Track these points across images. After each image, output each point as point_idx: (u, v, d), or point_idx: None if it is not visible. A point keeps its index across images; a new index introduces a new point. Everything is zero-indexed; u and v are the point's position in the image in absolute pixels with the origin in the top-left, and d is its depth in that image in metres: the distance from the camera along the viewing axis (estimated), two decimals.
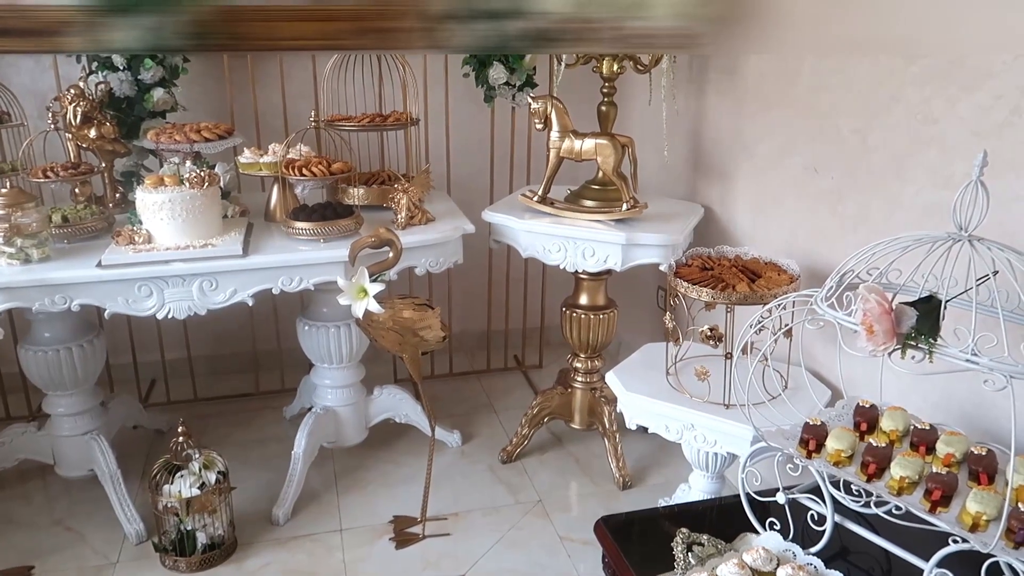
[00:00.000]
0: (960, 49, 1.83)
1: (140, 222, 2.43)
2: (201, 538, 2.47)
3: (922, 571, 1.51)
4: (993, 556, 1.41)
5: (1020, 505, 1.42)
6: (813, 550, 1.70)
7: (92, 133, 2.70)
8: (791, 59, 2.50)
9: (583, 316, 2.93)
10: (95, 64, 2.87)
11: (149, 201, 2.38)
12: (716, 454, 2.29)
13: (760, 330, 1.86)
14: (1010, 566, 1.41)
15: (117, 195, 2.87)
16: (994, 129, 1.83)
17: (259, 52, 3.17)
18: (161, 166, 2.78)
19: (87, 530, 2.67)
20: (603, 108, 2.80)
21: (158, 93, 2.91)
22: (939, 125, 1.98)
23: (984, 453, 1.60)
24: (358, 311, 2.30)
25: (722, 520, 1.91)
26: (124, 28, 0.71)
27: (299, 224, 2.51)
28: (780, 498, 1.76)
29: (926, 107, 2.01)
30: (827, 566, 1.65)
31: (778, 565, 1.63)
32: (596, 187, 2.80)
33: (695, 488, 2.46)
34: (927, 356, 1.40)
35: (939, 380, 1.93)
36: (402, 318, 2.40)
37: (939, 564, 1.48)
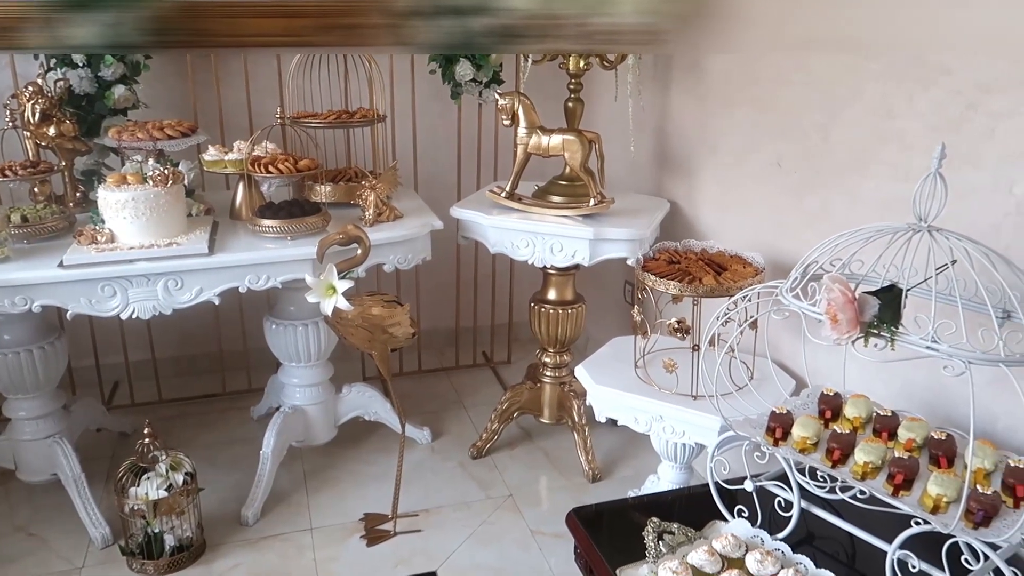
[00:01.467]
0: (914, 47, 1.88)
1: (102, 221, 2.39)
2: (169, 540, 2.44)
3: (886, 553, 1.55)
4: (953, 537, 1.45)
5: (979, 487, 1.46)
6: (780, 536, 1.73)
7: (51, 131, 2.66)
8: (753, 57, 2.53)
9: (551, 311, 2.95)
10: (53, 61, 2.81)
11: (112, 200, 2.34)
12: (684, 444, 2.32)
13: (726, 322, 1.89)
14: (969, 546, 1.45)
15: (78, 194, 2.82)
16: (951, 124, 1.88)
17: (222, 49, 3.13)
18: (123, 164, 2.74)
19: (51, 536, 2.62)
20: (570, 104, 2.82)
21: (119, 90, 2.86)
22: (898, 121, 2.03)
23: (944, 438, 1.65)
24: (327, 309, 2.29)
25: (691, 509, 1.94)
26: (83, 24, 0.70)
27: (266, 222, 2.48)
28: (748, 485, 1.80)
29: (886, 103, 2.06)
30: (794, 551, 1.68)
31: (747, 551, 1.66)
32: (563, 183, 2.81)
33: (664, 479, 2.49)
34: (889, 344, 1.44)
35: (900, 368, 1.97)
36: (371, 315, 2.40)
37: (902, 546, 1.52)
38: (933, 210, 1.50)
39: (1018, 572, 1.41)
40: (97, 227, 2.38)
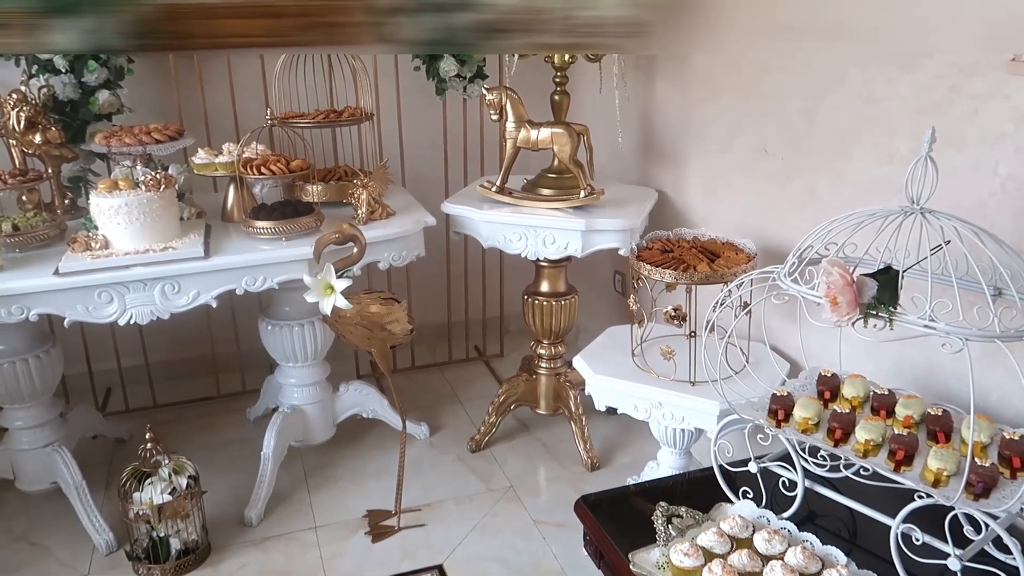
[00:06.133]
0: (894, 35, 1.91)
1: (96, 227, 2.38)
2: (175, 544, 2.45)
3: (887, 527, 1.60)
4: (954, 509, 1.50)
5: (977, 460, 1.51)
6: (786, 515, 1.78)
7: (37, 138, 2.63)
8: (737, 52, 2.56)
9: (545, 303, 2.98)
10: (35, 67, 2.79)
11: (104, 206, 2.33)
12: (683, 430, 2.36)
13: (721, 308, 1.93)
14: (969, 517, 1.50)
15: (66, 201, 2.80)
16: (933, 107, 1.92)
17: (204, 51, 3.11)
18: (109, 170, 2.72)
19: (52, 544, 2.62)
20: (556, 97, 2.84)
21: (103, 95, 2.84)
22: (882, 104, 2.07)
23: (940, 413, 1.70)
24: (326, 308, 2.30)
25: (693, 493, 1.97)
26: (64, 29, 0.70)
27: (260, 223, 2.49)
28: (752, 467, 1.84)
29: (869, 87, 2.10)
30: (799, 529, 1.73)
31: (754, 531, 1.71)
32: (552, 175, 2.84)
33: (663, 465, 2.53)
34: (888, 324, 1.48)
35: (891, 348, 2.02)
36: (370, 313, 2.41)
37: (905, 520, 1.56)
38: (925, 193, 1.54)
39: (1016, 540, 1.46)
40: (91, 233, 2.37)
